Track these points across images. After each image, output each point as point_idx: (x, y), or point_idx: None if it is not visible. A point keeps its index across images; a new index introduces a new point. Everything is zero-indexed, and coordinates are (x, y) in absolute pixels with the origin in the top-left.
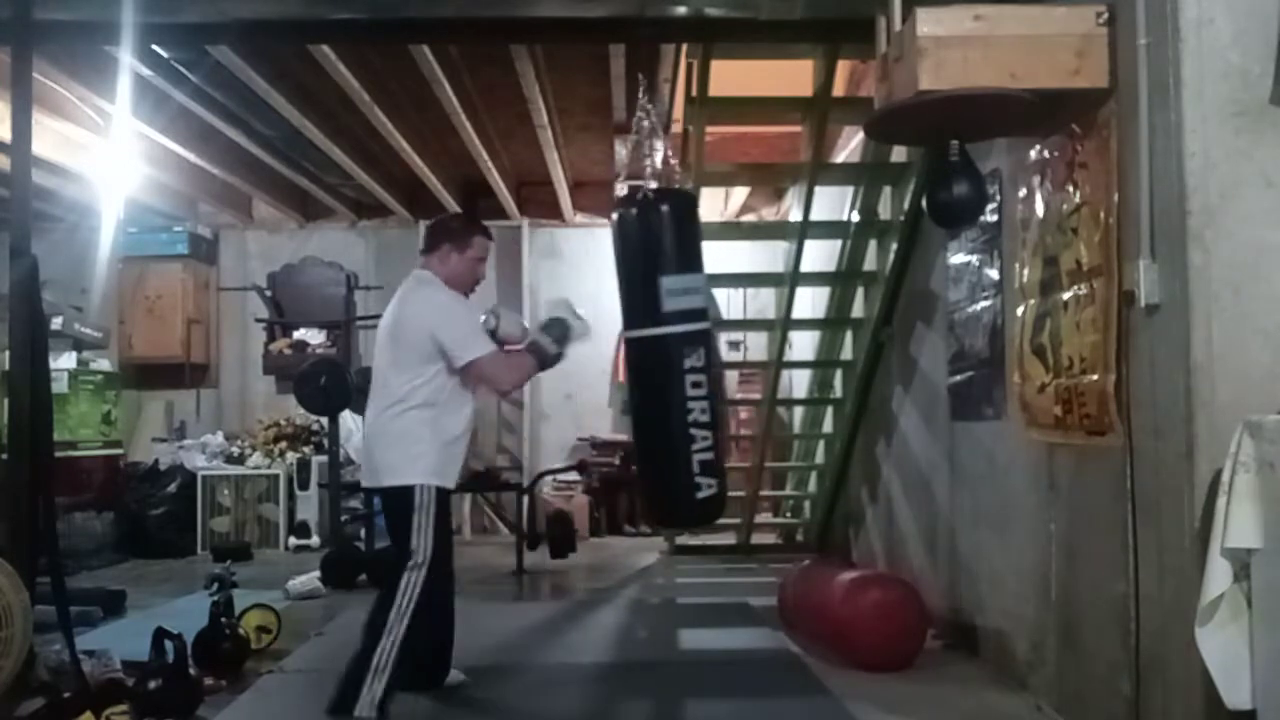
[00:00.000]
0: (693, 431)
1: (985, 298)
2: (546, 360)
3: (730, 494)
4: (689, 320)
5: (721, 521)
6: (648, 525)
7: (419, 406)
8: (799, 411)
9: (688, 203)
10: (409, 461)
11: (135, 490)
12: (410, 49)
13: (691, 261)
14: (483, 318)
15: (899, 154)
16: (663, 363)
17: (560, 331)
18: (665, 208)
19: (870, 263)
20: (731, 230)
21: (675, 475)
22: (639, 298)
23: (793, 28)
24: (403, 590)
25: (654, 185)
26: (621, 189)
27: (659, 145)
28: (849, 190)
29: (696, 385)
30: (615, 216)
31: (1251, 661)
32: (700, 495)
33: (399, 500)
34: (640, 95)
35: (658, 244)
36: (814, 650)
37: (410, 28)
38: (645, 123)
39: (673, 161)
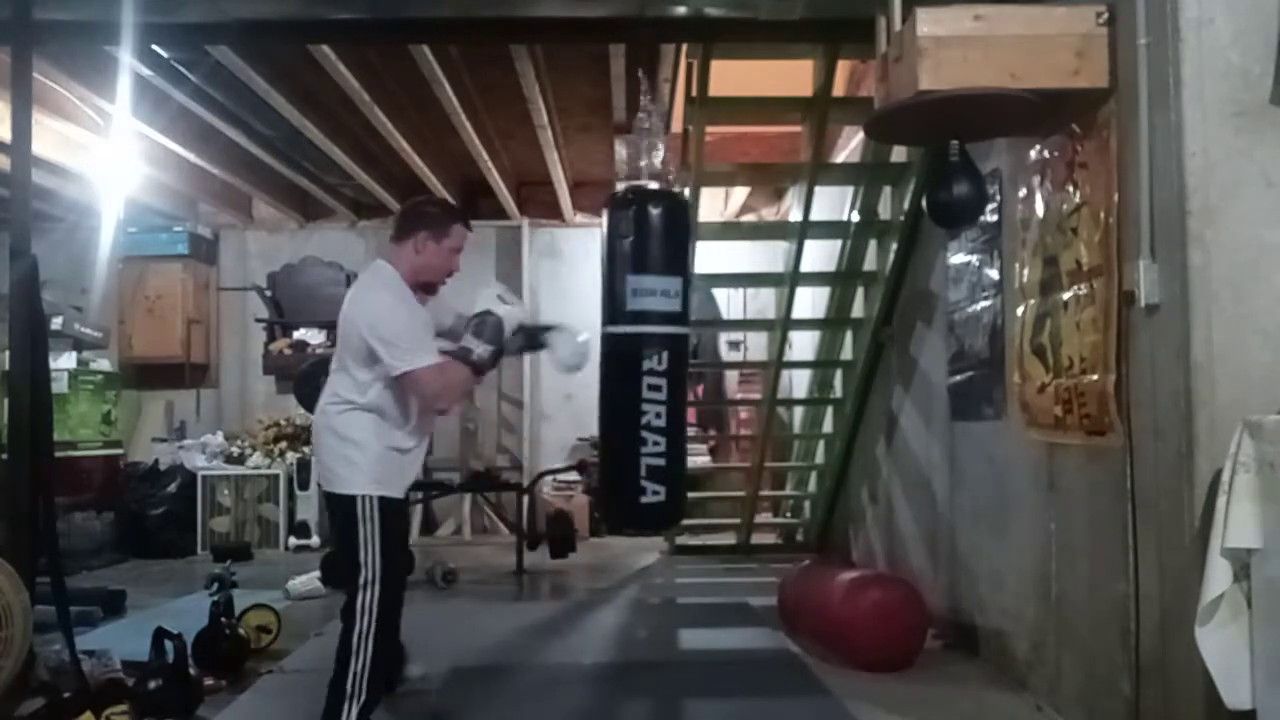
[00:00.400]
0: (644, 434)
1: (985, 298)
2: (479, 367)
3: (728, 495)
4: (654, 322)
5: (721, 521)
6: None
7: (361, 409)
8: (799, 411)
9: (668, 204)
10: (351, 469)
11: (135, 490)
12: (410, 49)
13: (666, 263)
14: (490, 292)
15: (899, 154)
16: (623, 362)
17: (491, 330)
18: (642, 207)
19: (870, 263)
20: (731, 230)
21: (621, 476)
22: (608, 295)
23: (793, 28)
24: (360, 613)
25: (646, 186)
26: (619, 189)
27: (658, 146)
28: (849, 190)
29: (654, 389)
30: (604, 215)
31: (1251, 661)
32: (644, 500)
33: (343, 509)
34: (642, 95)
35: (629, 243)
36: (814, 650)
37: (410, 28)
38: (646, 124)
39: (667, 164)
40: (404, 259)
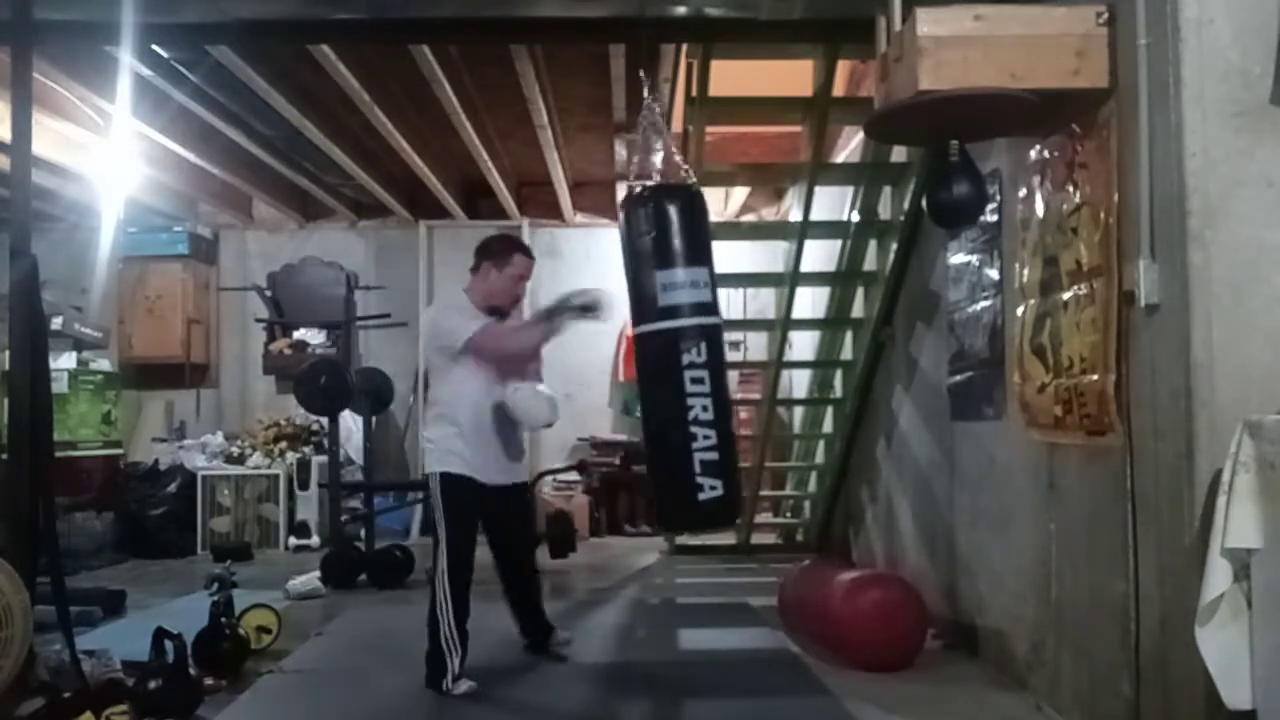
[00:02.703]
0: (693, 430)
1: (985, 298)
2: (550, 321)
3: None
4: (688, 315)
5: None
6: (652, 527)
7: (436, 415)
8: (799, 411)
9: (686, 196)
10: (427, 456)
11: (135, 490)
12: (410, 49)
13: (691, 255)
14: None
15: (899, 154)
16: (662, 359)
17: (560, 304)
18: (661, 202)
19: (870, 263)
20: (731, 230)
21: (676, 475)
22: (638, 294)
23: (793, 28)
24: (437, 579)
25: (655, 182)
26: (625, 189)
27: (665, 143)
28: (849, 190)
29: (697, 381)
30: (621, 216)
31: (1251, 661)
32: (702, 497)
33: (428, 489)
34: (645, 94)
35: (653, 239)
36: (814, 650)
37: (410, 28)
38: (650, 121)
39: (678, 158)
40: (476, 286)
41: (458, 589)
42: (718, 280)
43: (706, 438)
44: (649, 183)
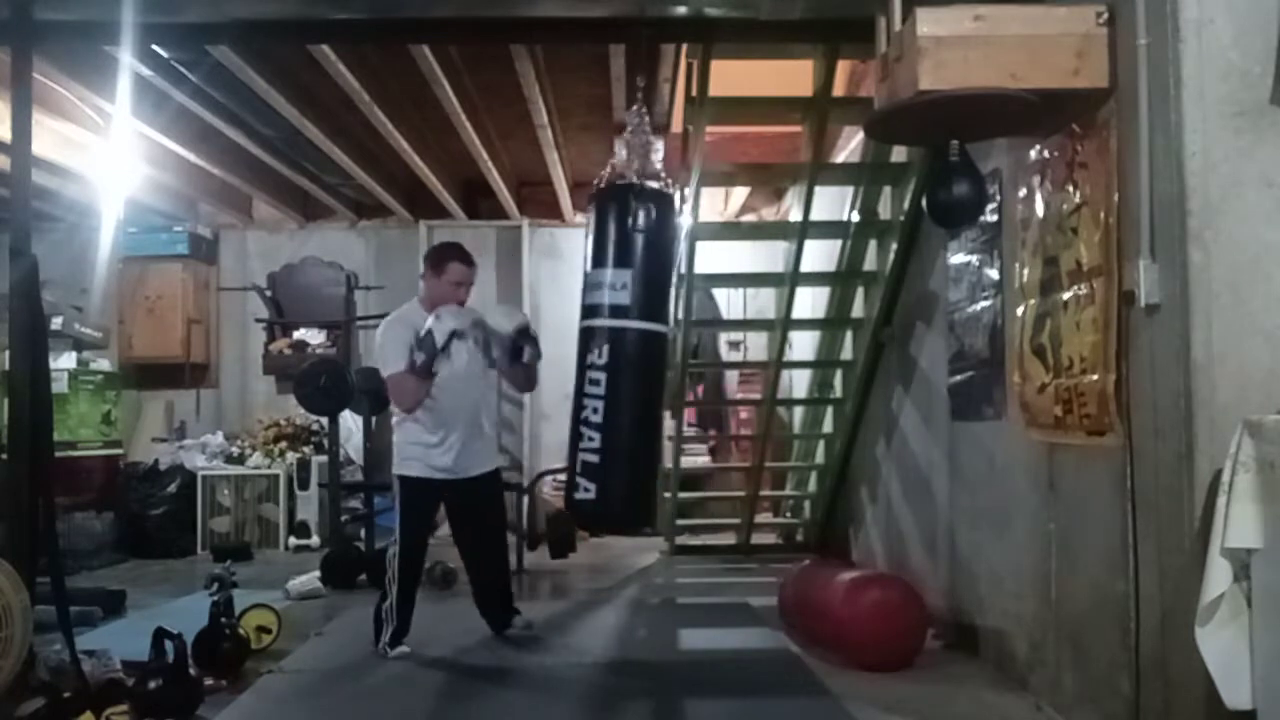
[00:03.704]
0: (581, 429)
1: (985, 298)
2: (416, 370)
3: (728, 495)
4: (593, 316)
5: (721, 521)
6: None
7: (396, 416)
8: (799, 411)
9: (617, 196)
10: (395, 455)
11: (135, 490)
12: (410, 49)
13: (621, 258)
14: (452, 325)
15: (899, 154)
16: (578, 356)
17: (426, 342)
18: (604, 201)
19: (870, 263)
20: (731, 230)
21: (569, 471)
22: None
23: (793, 28)
24: (389, 560)
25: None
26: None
27: (650, 147)
28: (849, 190)
29: (594, 383)
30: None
31: (1251, 661)
32: (576, 496)
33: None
34: (636, 97)
35: (592, 236)
36: (814, 650)
37: (410, 28)
38: (634, 126)
39: (657, 163)
40: (425, 292)
41: (405, 577)
42: (717, 280)
43: (590, 439)
44: (619, 180)
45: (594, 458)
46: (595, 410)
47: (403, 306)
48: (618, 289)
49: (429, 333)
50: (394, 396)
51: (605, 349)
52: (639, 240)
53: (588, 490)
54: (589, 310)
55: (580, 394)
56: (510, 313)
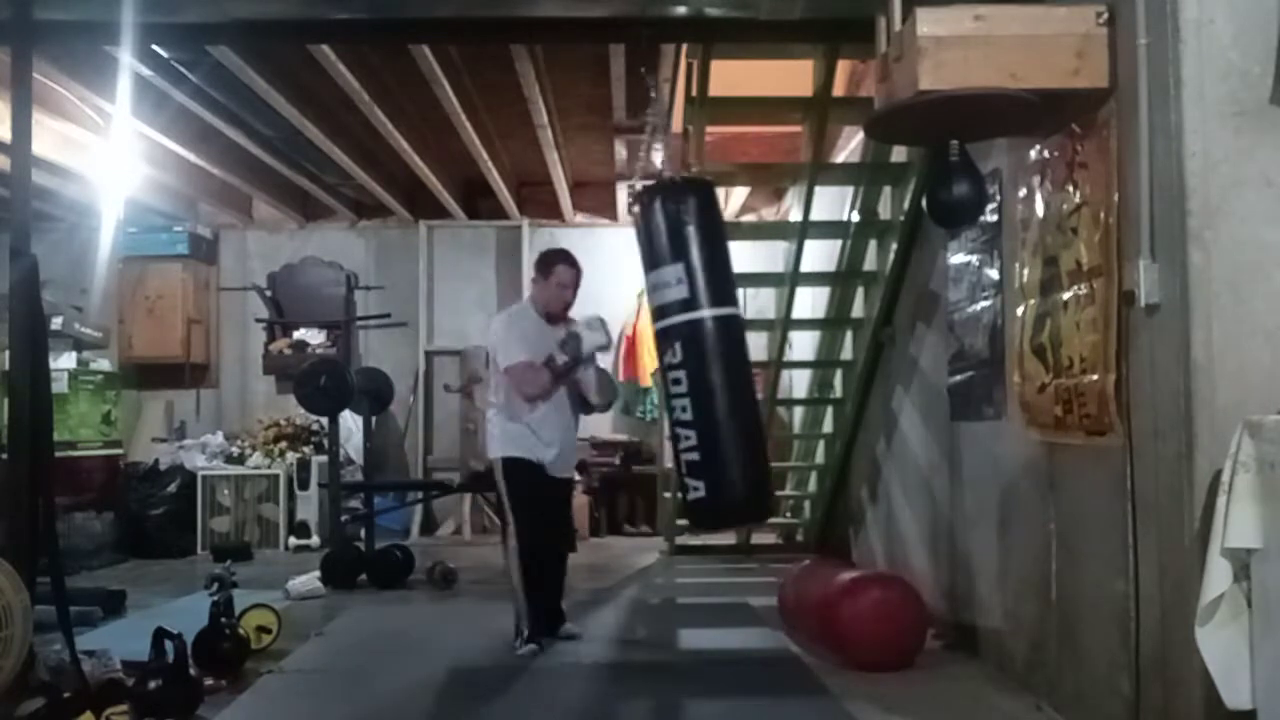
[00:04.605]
0: (676, 431)
1: (985, 298)
2: (556, 371)
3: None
4: (663, 316)
5: None
6: (652, 526)
7: (495, 406)
8: (799, 411)
9: (666, 193)
10: (490, 441)
11: (135, 490)
12: (410, 49)
13: (672, 253)
14: (562, 334)
15: (899, 154)
16: (658, 363)
17: (571, 345)
18: (644, 203)
19: (870, 263)
20: (731, 230)
21: (677, 476)
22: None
23: (793, 28)
24: (506, 556)
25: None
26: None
27: (666, 142)
28: (849, 190)
29: (676, 383)
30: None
31: (1251, 661)
32: (689, 498)
33: (492, 474)
34: (650, 94)
35: (641, 241)
36: (814, 650)
37: (410, 28)
38: (653, 121)
39: (678, 158)
40: (536, 295)
41: (525, 556)
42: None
43: (687, 438)
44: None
45: (695, 455)
46: (684, 409)
47: (513, 306)
48: (676, 284)
49: (578, 339)
50: (519, 384)
51: (679, 346)
52: (689, 231)
53: (697, 489)
54: (657, 313)
55: (667, 398)
56: (591, 333)
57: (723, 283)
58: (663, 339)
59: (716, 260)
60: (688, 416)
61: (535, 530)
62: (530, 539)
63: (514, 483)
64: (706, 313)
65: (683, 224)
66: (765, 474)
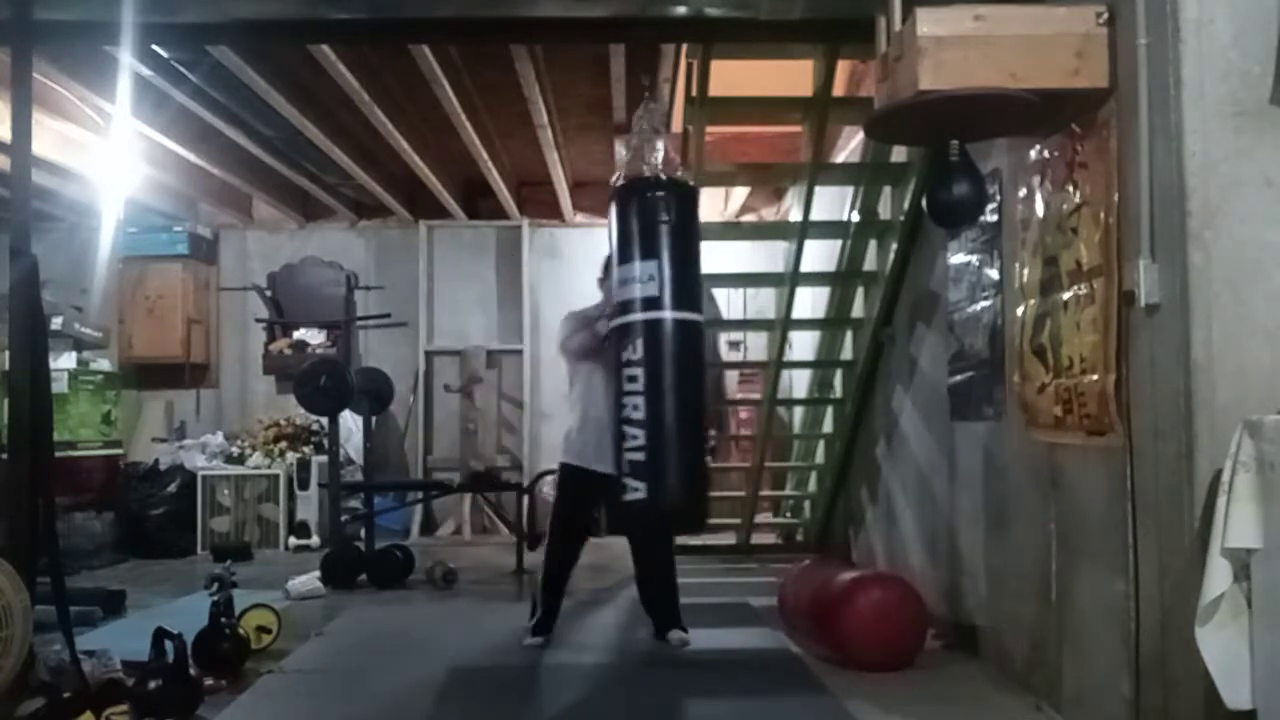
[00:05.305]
0: (624, 429)
1: (985, 298)
2: (598, 333)
3: (728, 495)
4: (628, 311)
5: (721, 521)
6: None
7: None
8: (799, 411)
9: (638, 189)
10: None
11: (135, 490)
12: (410, 49)
13: (645, 250)
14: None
15: (899, 154)
16: (613, 356)
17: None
18: (625, 196)
19: (870, 263)
20: (731, 230)
21: (617, 474)
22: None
23: (793, 28)
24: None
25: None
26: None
27: (658, 145)
28: (849, 190)
29: (631, 380)
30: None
31: (1251, 661)
32: (626, 498)
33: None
34: (645, 95)
35: (615, 233)
36: (814, 650)
37: (410, 28)
38: (643, 124)
39: (669, 158)
40: (603, 295)
41: (551, 562)
42: (717, 280)
43: (634, 437)
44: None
45: (640, 455)
46: (636, 407)
47: (585, 306)
48: (646, 281)
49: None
50: (563, 346)
51: (639, 343)
52: (664, 230)
53: (637, 490)
54: (621, 307)
55: (619, 393)
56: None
57: (692, 288)
58: (623, 334)
59: (688, 265)
60: (638, 415)
61: (569, 529)
62: (563, 535)
63: (560, 483)
64: (671, 315)
65: (661, 223)
66: (706, 484)
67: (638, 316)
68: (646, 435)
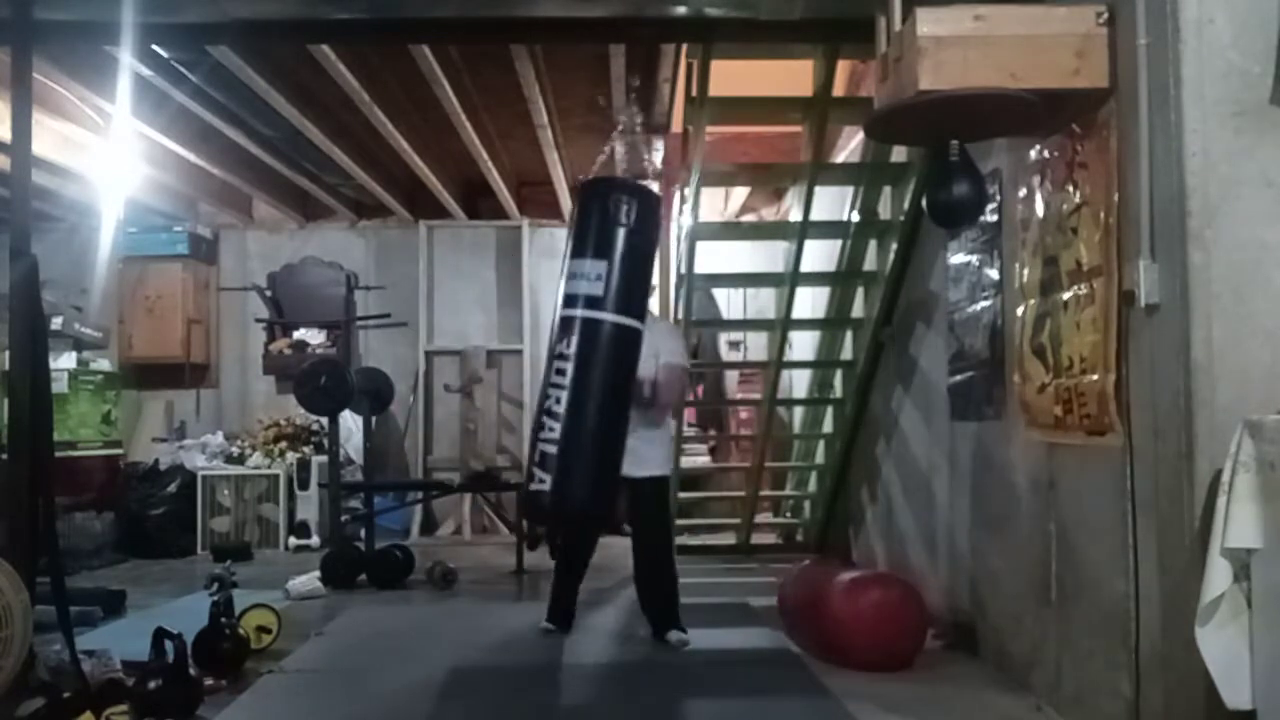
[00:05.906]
0: (542, 419)
1: (985, 298)
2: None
3: (728, 495)
4: (571, 305)
5: (721, 521)
6: None
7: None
8: (799, 411)
9: (602, 188)
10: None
11: (135, 490)
12: (410, 49)
13: (599, 249)
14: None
15: (899, 154)
16: (549, 346)
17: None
18: (590, 192)
19: (870, 263)
20: (731, 230)
21: (528, 462)
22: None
23: (793, 28)
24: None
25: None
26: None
27: (642, 145)
28: (849, 190)
29: (559, 373)
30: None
31: (1251, 661)
32: (530, 488)
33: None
34: (629, 97)
35: (574, 226)
36: (814, 650)
37: (410, 28)
38: (625, 125)
39: (642, 163)
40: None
41: (559, 560)
42: (717, 280)
43: (550, 429)
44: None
45: (553, 449)
46: (559, 400)
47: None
48: (593, 279)
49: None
50: (677, 386)
51: (574, 339)
52: (619, 233)
53: (543, 481)
54: (565, 300)
55: (545, 383)
56: (667, 343)
57: (637, 295)
58: (562, 327)
59: (638, 272)
60: (560, 409)
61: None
62: (568, 539)
63: None
64: (611, 317)
65: (619, 226)
66: (613, 490)
67: (578, 313)
68: (562, 430)
